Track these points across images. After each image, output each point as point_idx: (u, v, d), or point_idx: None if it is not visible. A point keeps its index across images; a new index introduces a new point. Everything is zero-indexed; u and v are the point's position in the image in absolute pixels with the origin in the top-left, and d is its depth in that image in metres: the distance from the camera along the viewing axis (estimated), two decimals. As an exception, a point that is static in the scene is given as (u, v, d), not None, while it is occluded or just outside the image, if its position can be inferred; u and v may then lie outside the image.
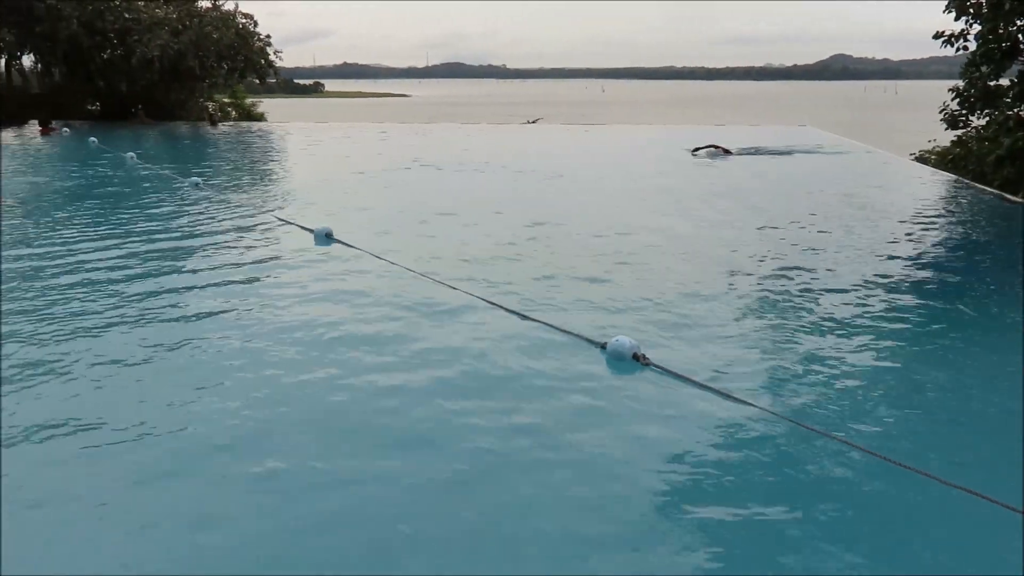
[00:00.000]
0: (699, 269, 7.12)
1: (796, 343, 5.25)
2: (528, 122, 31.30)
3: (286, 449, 3.72)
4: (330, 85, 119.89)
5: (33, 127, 23.36)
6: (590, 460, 3.66)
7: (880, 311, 5.91)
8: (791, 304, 6.12)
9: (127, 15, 26.25)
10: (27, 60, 29.14)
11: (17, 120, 24.81)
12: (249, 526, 3.13)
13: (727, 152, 16.65)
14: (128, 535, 3.05)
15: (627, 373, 4.67)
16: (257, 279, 6.71)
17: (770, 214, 9.91)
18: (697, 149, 16.90)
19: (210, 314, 5.73)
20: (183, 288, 6.41)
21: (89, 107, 29.21)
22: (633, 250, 7.83)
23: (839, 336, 5.34)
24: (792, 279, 6.77)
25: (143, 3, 27.16)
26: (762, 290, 6.51)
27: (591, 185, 13.03)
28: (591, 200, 11.46)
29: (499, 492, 3.41)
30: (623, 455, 3.70)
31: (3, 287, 6.31)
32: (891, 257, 7.59)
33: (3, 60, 27.67)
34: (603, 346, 4.89)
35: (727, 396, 4.25)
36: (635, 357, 4.70)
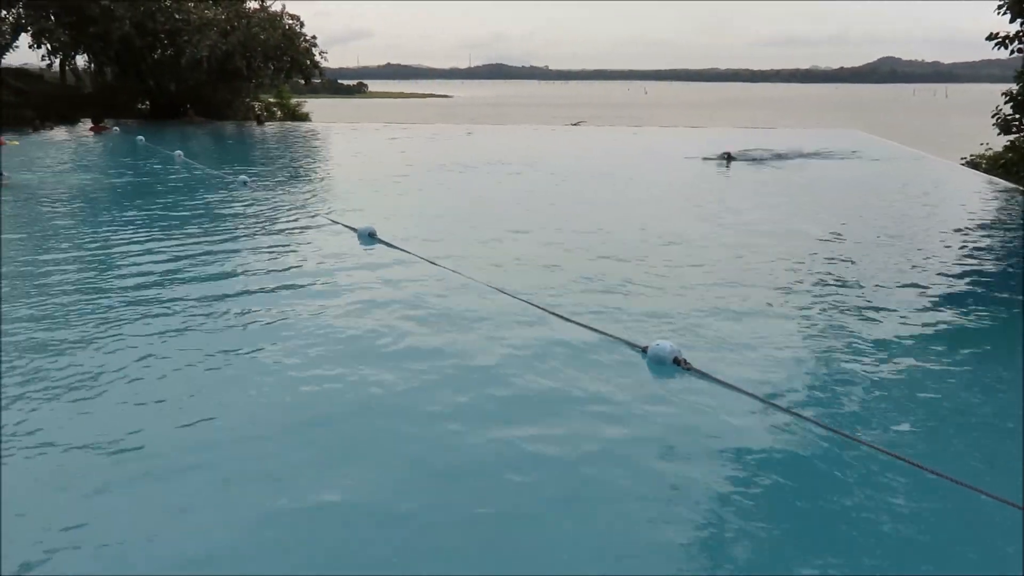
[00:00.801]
0: (742, 275, 7.03)
1: (840, 352, 5.16)
2: (572, 124, 31.25)
3: (318, 464, 3.65)
4: (373, 85, 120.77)
5: (85, 125, 23.91)
6: (629, 463, 3.63)
7: (926, 323, 5.79)
8: (836, 312, 6.02)
9: (177, 16, 26.76)
10: (81, 60, 29.87)
11: (70, 119, 25.43)
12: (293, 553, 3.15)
13: (731, 158, 16.09)
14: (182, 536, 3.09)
15: (667, 377, 4.63)
16: (300, 278, 6.77)
17: (817, 221, 9.77)
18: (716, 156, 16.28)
19: (251, 312, 5.79)
20: (225, 284, 6.50)
21: (139, 106, 29.83)
22: (676, 255, 7.78)
23: (886, 345, 5.24)
24: (837, 287, 6.67)
25: (193, 4, 27.67)
26: (807, 297, 6.42)
27: (636, 188, 12.96)
28: (636, 203, 11.40)
29: (538, 491, 3.38)
30: (662, 459, 3.67)
31: (45, 283, 6.46)
32: (940, 266, 7.44)
33: (58, 60, 28.36)
34: (644, 350, 4.85)
35: (769, 403, 4.19)
36: (676, 361, 4.66)
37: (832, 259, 7.69)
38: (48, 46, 27.10)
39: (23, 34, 26.53)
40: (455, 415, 4.11)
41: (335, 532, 3.09)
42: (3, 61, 27.09)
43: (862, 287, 6.65)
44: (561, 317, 5.58)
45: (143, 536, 3.03)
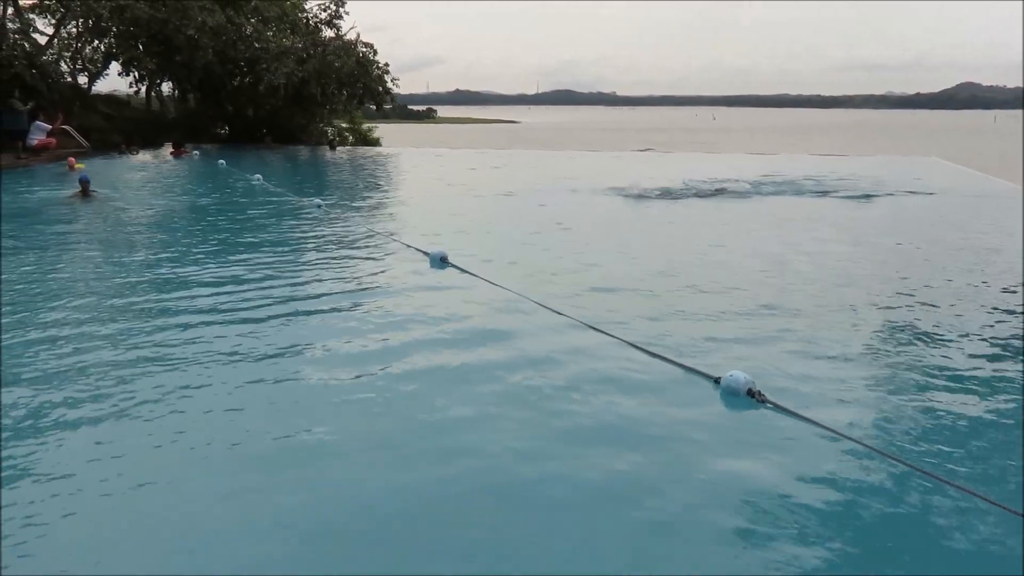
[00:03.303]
0: (821, 306, 6.88)
1: (924, 389, 4.99)
2: (640, 151, 31.18)
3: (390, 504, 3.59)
4: (442, 111, 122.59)
5: (167, 149, 24.86)
6: (700, 498, 3.57)
7: (1009, 362, 5.56)
8: (917, 348, 5.83)
9: (257, 45, 27.69)
10: (165, 87, 31.20)
11: (154, 143, 26.49)
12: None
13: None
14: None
15: (741, 410, 4.54)
16: (372, 301, 6.85)
17: (895, 251, 9.53)
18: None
19: (323, 335, 5.87)
20: (297, 307, 6.63)
21: (219, 131, 30.89)
22: (752, 285, 7.66)
23: (976, 384, 5.06)
24: (917, 324, 6.45)
25: (272, 34, 28.60)
26: (888, 331, 6.24)
27: (710, 215, 12.83)
28: (709, 230, 11.29)
29: (605, 521, 3.35)
30: (735, 494, 3.58)
31: (123, 301, 6.69)
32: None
33: (145, 87, 29.64)
34: (717, 380, 4.77)
35: (848, 438, 4.07)
36: (750, 393, 4.57)
37: (911, 294, 7.47)
38: (136, 73, 28.37)
39: (114, 62, 27.87)
40: (519, 446, 4.07)
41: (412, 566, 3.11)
42: (94, 87, 28.46)
43: (943, 323, 6.43)
44: (632, 345, 5.53)
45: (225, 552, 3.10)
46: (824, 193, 15.44)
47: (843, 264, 8.74)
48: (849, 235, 10.77)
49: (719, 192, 15.26)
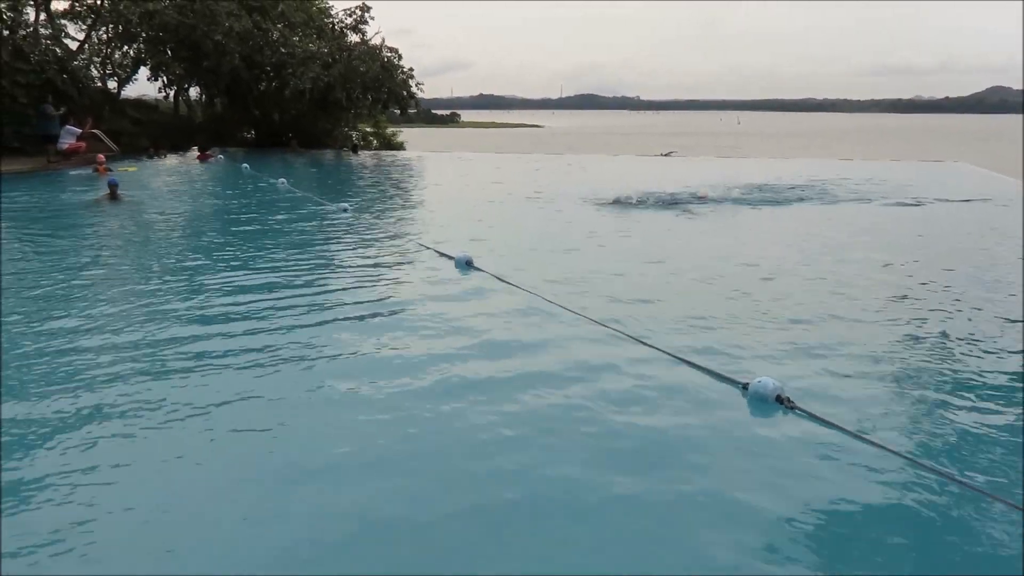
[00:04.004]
0: (852, 312, 6.79)
1: (958, 399, 4.89)
2: (662, 154, 31.04)
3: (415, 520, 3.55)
4: (466, 115, 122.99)
5: (193, 153, 25.13)
6: (726, 504, 3.51)
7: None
8: (953, 357, 5.72)
9: (283, 50, 27.94)
10: (193, 91, 31.60)
11: (181, 147, 26.82)
12: None
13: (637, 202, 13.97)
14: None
15: (769, 416, 4.47)
16: (397, 305, 6.85)
17: (930, 260, 9.40)
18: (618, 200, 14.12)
19: (346, 338, 5.86)
20: (321, 310, 6.63)
21: (245, 135, 31.19)
22: (781, 290, 7.58)
23: (1017, 395, 4.96)
24: (953, 333, 6.33)
25: (298, 39, 28.85)
26: (923, 339, 6.13)
27: (734, 220, 12.74)
28: (733, 236, 11.20)
29: (628, 533, 3.30)
30: (761, 501, 3.52)
31: (146, 305, 6.74)
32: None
33: (172, 91, 30.03)
34: (744, 386, 4.71)
35: (879, 446, 3.99)
36: (779, 399, 4.50)
37: (948, 303, 7.35)
38: (164, 78, 28.78)
39: (142, 67, 28.27)
40: (544, 451, 4.03)
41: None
42: (123, 92, 28.88)
43: (978, 331, 6.32)
44: (657, 349, 5.48)
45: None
46: (855, 199, 15.28)
47: (876, 271, 8.62)
48: (883, 241, 10.64)
49: (748, 197, 15.14)
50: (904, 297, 7.43)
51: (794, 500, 3.54)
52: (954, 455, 4.07)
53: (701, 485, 3.71)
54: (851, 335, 6.07)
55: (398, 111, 31.26)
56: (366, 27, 30.33)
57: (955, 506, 3.53)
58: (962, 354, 5.71)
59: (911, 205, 14.62)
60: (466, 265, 8.15)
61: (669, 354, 5.39)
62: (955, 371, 5.37)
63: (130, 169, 17.56)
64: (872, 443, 4.03)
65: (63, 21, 26.42)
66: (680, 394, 4.81)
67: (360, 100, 28.97)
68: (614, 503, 3.53)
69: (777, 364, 5.34)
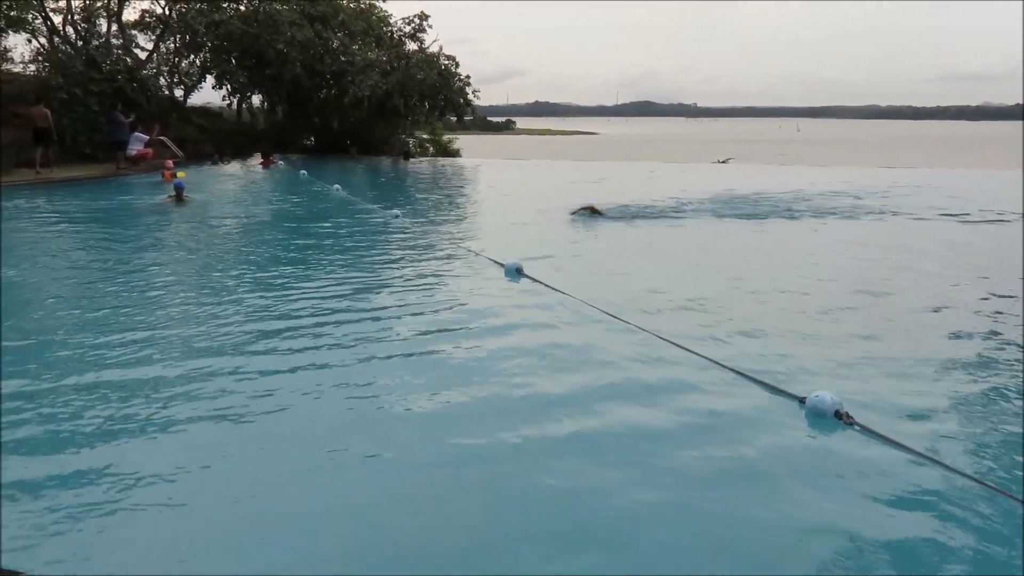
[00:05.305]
0: (915, 329, 6.60)
1: (1021, 418, 4.71)
2: (718, 161, 30.68)
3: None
4: (521, 123, 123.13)
5: (256, 159, 25.72)
6: (781, 521, 3.42)
7: None
8: (1016, 376, 5.51)
9: (343, 58, 28.42)
10: (255, 99, 32.38)
11: (243, 153, 27.49)
12: None
13: (595, 212, 13.46)
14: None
15: (827, 431, 4.36)
16: (446, 312, 6.85)
17: (994, 274, 9.09)
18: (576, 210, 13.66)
19: (395, 345, 5.86)
20: (370, 316, 6.67)
21: (305, 142, 31.80)
22: (841, 304, 7.40)
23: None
24: (1016, 350, 6.11)
25: (357, 48, 29.32)
26: (987, 357, 5.92)
27: (793, 231, 12.51)
28: (793, 247, 11.00)
29: (680, 552, 3.25)
30: (818, 519, 3.43)
31: (200, 310, 6.88)
32: None
33: (236, 99, 30.81)
34: (802, 400, 4.60)
35: (940, 464, 3.86)
36: (837, 415, 4.39)
37: (1013, 317, 7.09)
38: (228, 86, 29.55)
39: (208, 75, 29.08)
40: (594, 467, 3.96)
41: None
42: (189, 100, 29.75)
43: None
44: (713, 361, 5.39)
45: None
46: (919, 209, 14.88)
47: (941, 286, 8.37)
48: (947, 255, 10.33)
49: (809, 207, 14.87)
50: (974, 315, 7.16)
51: (851, 516, 3.44)
52: (1016, 475, 3.91)
53: (755, 499, 3.62)
54: (916, 351, 5.88)
55: (454, 118, 31.50)
56: (424, 35, 30.78)
57: (1012, 523, 3.39)
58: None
59: (976, 217, 14.15)
60: (516, 272, 8.14)
61: (726, 367, 5.30)
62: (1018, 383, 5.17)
63: (180, 175, 18.07)
64: (939, 463, 3.90)
65: (133, 32, 27.40)
66: (737, 406, 4.71)
67: (417, 107, 29.30)
68: (663, 517, 3.48)
69: (837, 379, 5.20)
